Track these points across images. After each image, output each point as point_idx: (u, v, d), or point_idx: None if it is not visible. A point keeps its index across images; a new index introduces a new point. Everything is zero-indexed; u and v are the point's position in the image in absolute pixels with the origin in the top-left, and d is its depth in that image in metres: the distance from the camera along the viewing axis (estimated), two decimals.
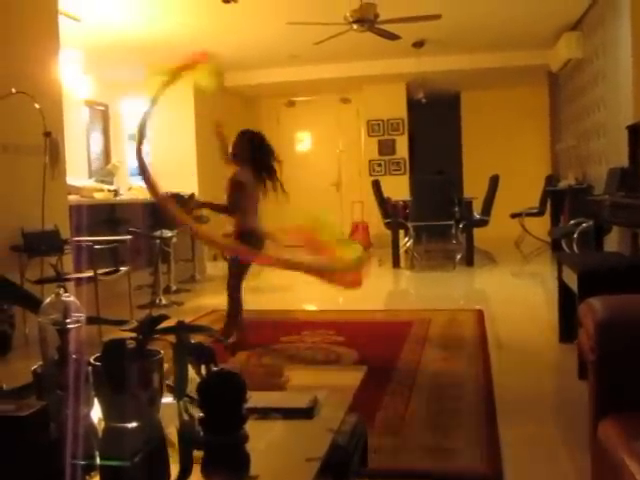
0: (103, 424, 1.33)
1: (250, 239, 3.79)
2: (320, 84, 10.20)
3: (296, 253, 2.37)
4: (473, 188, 9.49)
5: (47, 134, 4.54)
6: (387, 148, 10.61)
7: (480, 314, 4.81)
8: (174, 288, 6.42)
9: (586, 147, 7.65)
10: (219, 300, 6.16)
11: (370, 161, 10.69)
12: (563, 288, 3.75)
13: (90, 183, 6.57)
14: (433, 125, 11.89)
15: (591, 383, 1.60)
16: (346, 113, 11.19)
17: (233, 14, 6.79)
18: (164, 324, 1.41)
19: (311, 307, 4.19)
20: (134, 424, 1.29)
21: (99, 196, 6.13)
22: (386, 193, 8.29)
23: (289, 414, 1.48)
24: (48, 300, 1.33)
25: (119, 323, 1.49)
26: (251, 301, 5.93)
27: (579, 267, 3.29)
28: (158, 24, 7.12)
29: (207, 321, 4.81)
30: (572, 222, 6.72)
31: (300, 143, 11.45)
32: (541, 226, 8.99)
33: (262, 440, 1.35)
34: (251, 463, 1.28)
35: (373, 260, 8.60)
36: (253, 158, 4.00)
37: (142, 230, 6.20)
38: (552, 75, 9.48)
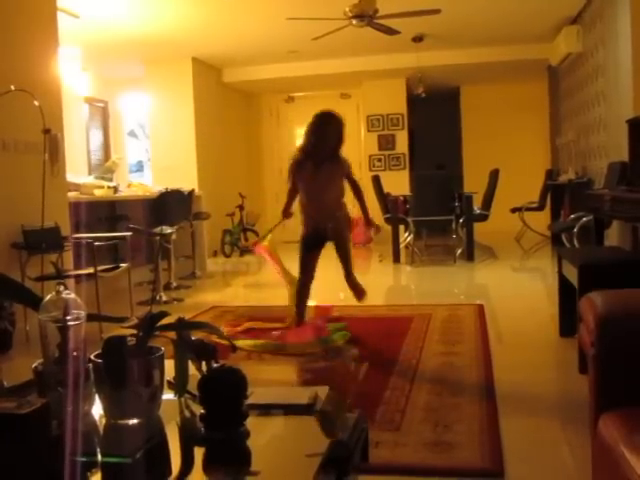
0: (104, 421, 1.33)
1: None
2: (319, 80, 10.17)
3: None
4: (473, 183, 9.49)
5: (46, 131, 4.52)
6: (387, 143, 10.60)
7: (481, 309, 4.81)
8: (174, 284, 6.42)
9: (586, 141, 7.64)
10: (220, 296, 6.19)
11: (370, 156, 10.67)
12: (563, 282, 3.75)
13: (90, 180, 6.55)
14: (433, 120, 11.87)
15: (591, 377, 1.60)
16: (346, 108, 11.11)
17: (232, 10, 6.77)
18: (164, 321, 1.41)
19: (312, 302, 4.21)
20: (135, 421, 1.30)
21: (99, 193, 6.12)
22: (386, 188, 8.28)
23: (290, 410, 1.48)
24: (48, 297, 1.33)
25: (119, 320, 1.49)
26: (252, 297, 5.95)
27: (579, 261, 3.29)
28: (157, 20, 7.11)
29: (208, 317, 4.82)
30: (572, 216, 6.71)
31: (300, 139, 11.42)
32: (541, 220, 8.99)
33: (263, 436, 1.35)
34: (252, 459, 1.28)
35: (373, 256, 8.60)
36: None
37: (142, 227, 6.21)
38: (552, 69, 9.46)
